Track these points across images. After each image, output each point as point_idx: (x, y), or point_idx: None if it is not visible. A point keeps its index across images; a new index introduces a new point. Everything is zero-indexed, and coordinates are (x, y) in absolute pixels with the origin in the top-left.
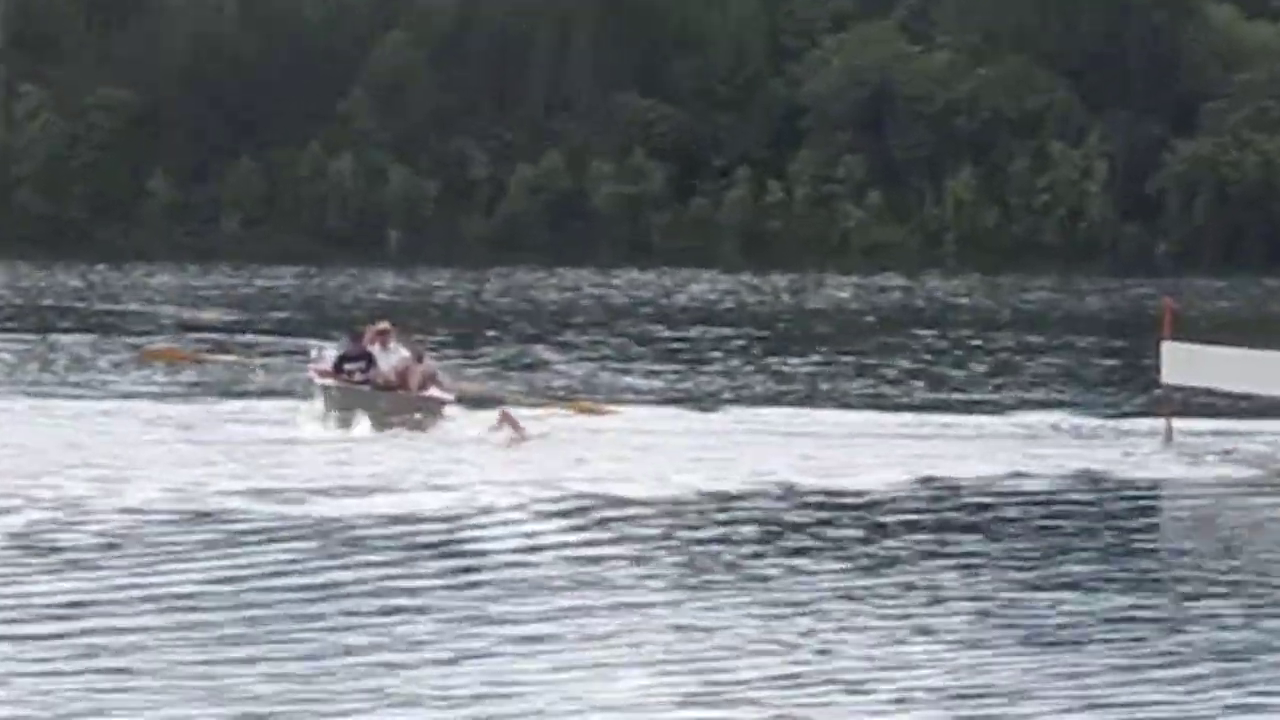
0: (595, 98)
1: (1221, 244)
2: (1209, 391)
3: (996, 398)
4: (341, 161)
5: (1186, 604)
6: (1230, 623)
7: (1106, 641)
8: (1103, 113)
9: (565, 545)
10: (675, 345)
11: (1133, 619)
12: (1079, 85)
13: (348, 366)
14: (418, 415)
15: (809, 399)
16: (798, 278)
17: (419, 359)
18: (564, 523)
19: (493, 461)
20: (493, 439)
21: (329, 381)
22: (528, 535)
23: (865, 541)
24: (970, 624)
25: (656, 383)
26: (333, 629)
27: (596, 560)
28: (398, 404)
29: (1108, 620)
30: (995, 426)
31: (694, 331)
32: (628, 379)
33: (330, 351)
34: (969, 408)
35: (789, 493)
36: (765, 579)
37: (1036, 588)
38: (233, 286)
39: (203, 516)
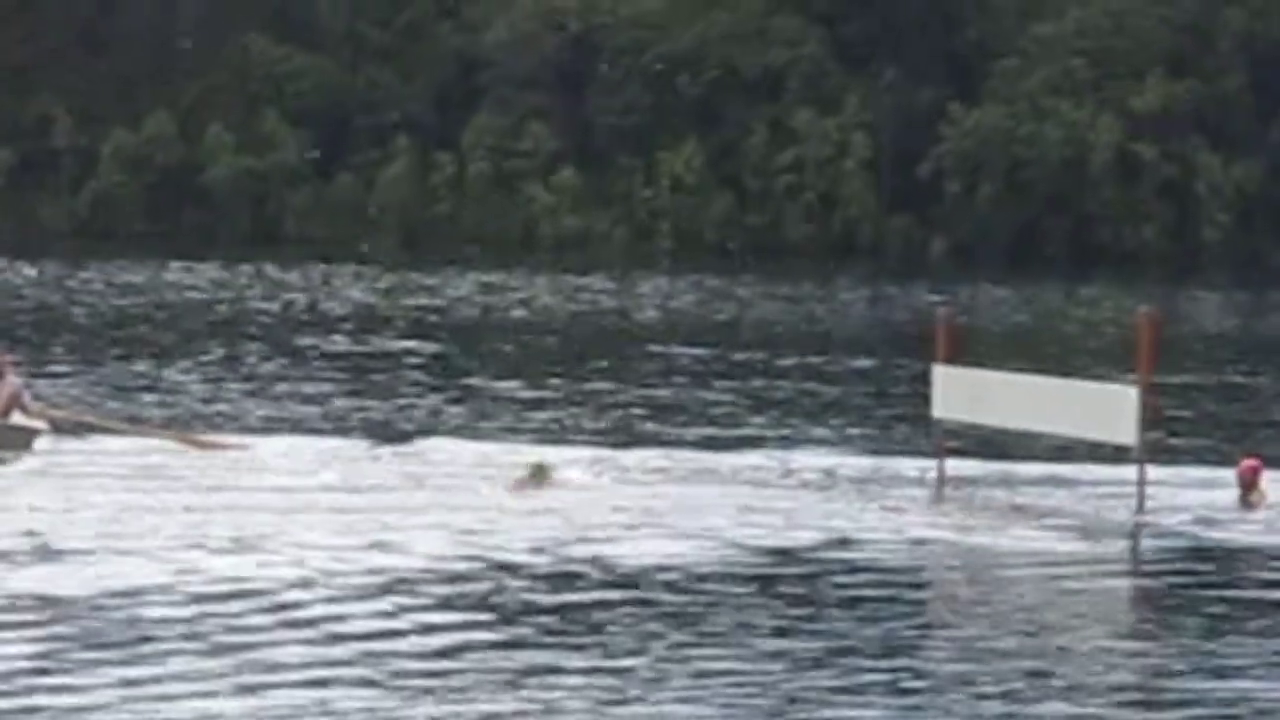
0: (212, 44)
1: (1013, 241)
2: (991, 428)
3: (723, 433)
4: None
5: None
6: None
7: None
8: (863, 71)
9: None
10: (331, 362)
11: None
12: (833, 36)
13: None
14: (3, 449)
15: (513, 428)
16: (501, 278)
17: None
18: (195, 609)
19: (108, 511)
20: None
21: None
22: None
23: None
24: None
25: (310, 409)
26: None
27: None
28: None
29: None
30: (715, 470)
31: (357, 345)
32: (273, 405)
33: None
34: (693, 445)
35: (488, 556)
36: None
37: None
38: None
39: None
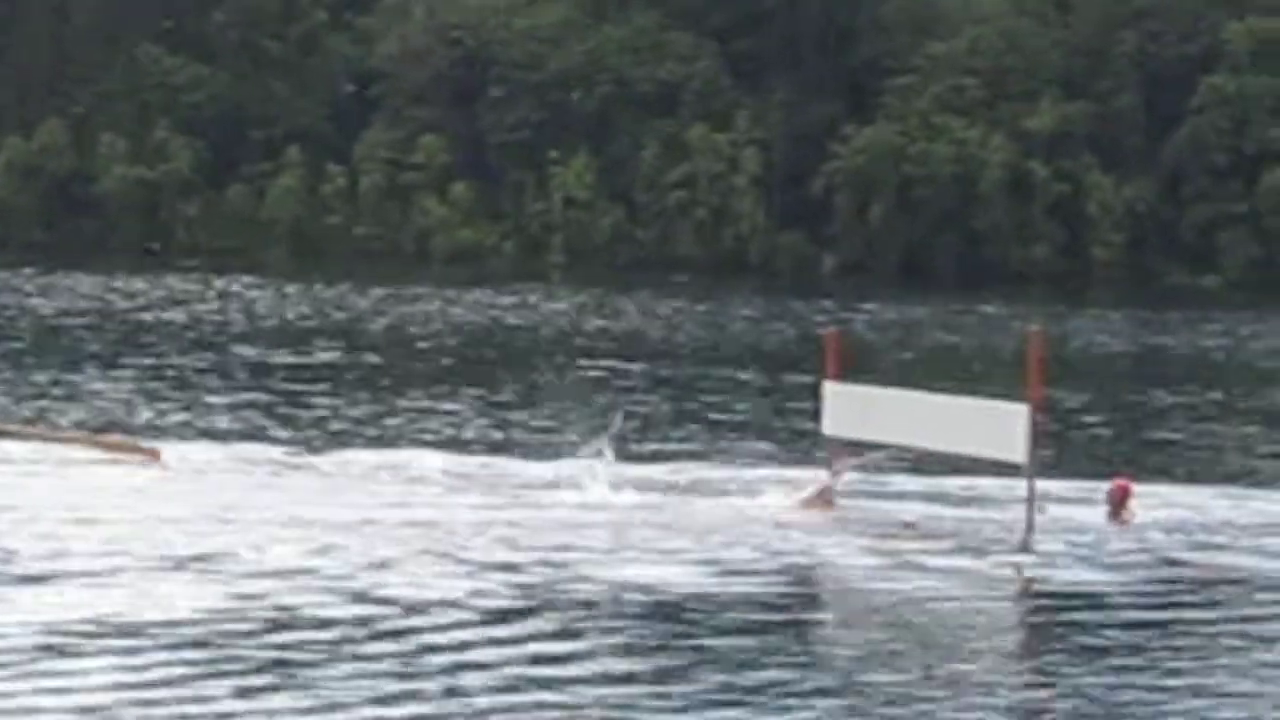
0: (107, 53)
1: (904, 258)
2: (880, 446)
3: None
4: None
5: None
6: None
7: None
8: (756, 88)
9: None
10: (238, 371)
11: None
12: (726, 52)
13: None
14: None
15: (418, 438)
16: (400, 291)
17: None
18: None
19: None
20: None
21: None
22: None
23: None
24: None
25: (218, 417)
26: None
27: None
28: None
29: None
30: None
31: (277, 356)
32: (181, 411)
33: None
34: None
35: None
36: None
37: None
38: None
39: None
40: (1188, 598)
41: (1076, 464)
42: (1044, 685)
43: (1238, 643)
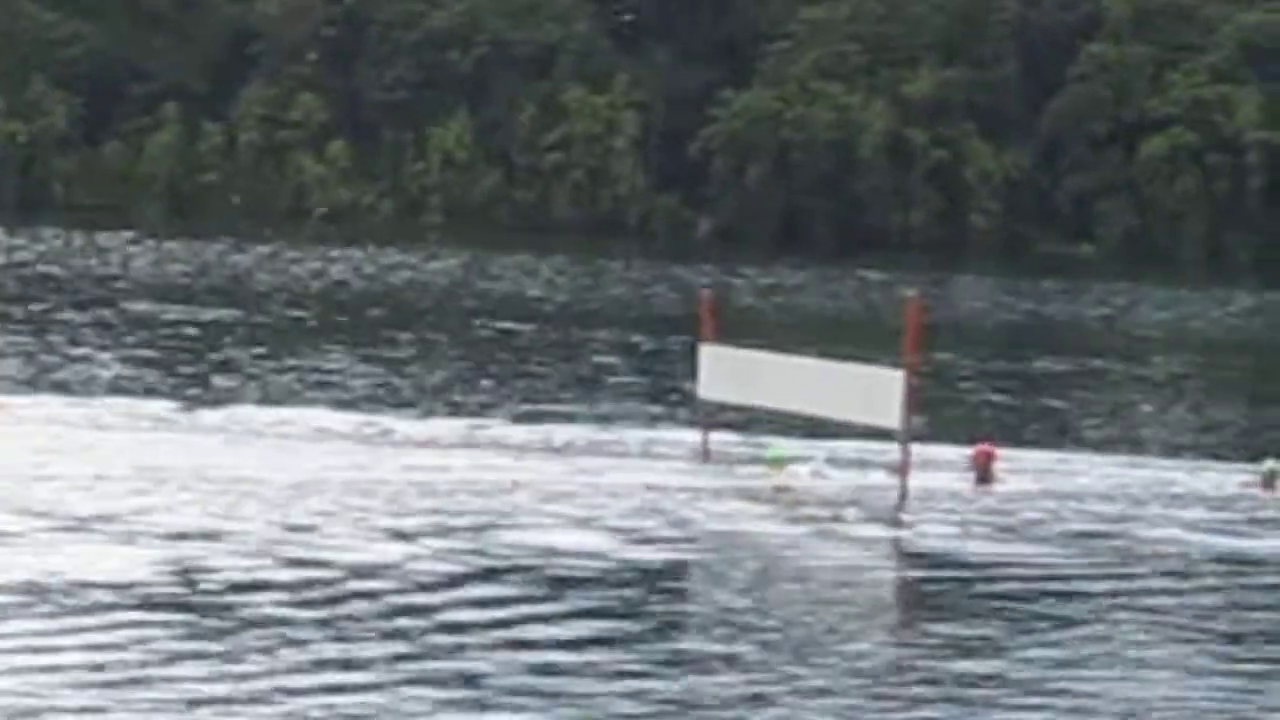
0: None
1: (780, 222)
2: (755, 408)
3: (483, 402)
4: None
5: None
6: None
7: None
8: (634, 51)
9: None
10: (117, 327)
11: None
12: (604, 14)
13: None
14: None
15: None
16: (274, 249)
17: None
18: None
19: None
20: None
21: None
22: None
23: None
24: None
25: (105, 376)
26: None
27: None
28: None
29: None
30: (480, 438)
31: (159, 313)
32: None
33: None
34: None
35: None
36: None
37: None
38: None
39: None
40: (1062, 563)
41: (952, 430)
42: (922, 649)
43: (1117, 606)
